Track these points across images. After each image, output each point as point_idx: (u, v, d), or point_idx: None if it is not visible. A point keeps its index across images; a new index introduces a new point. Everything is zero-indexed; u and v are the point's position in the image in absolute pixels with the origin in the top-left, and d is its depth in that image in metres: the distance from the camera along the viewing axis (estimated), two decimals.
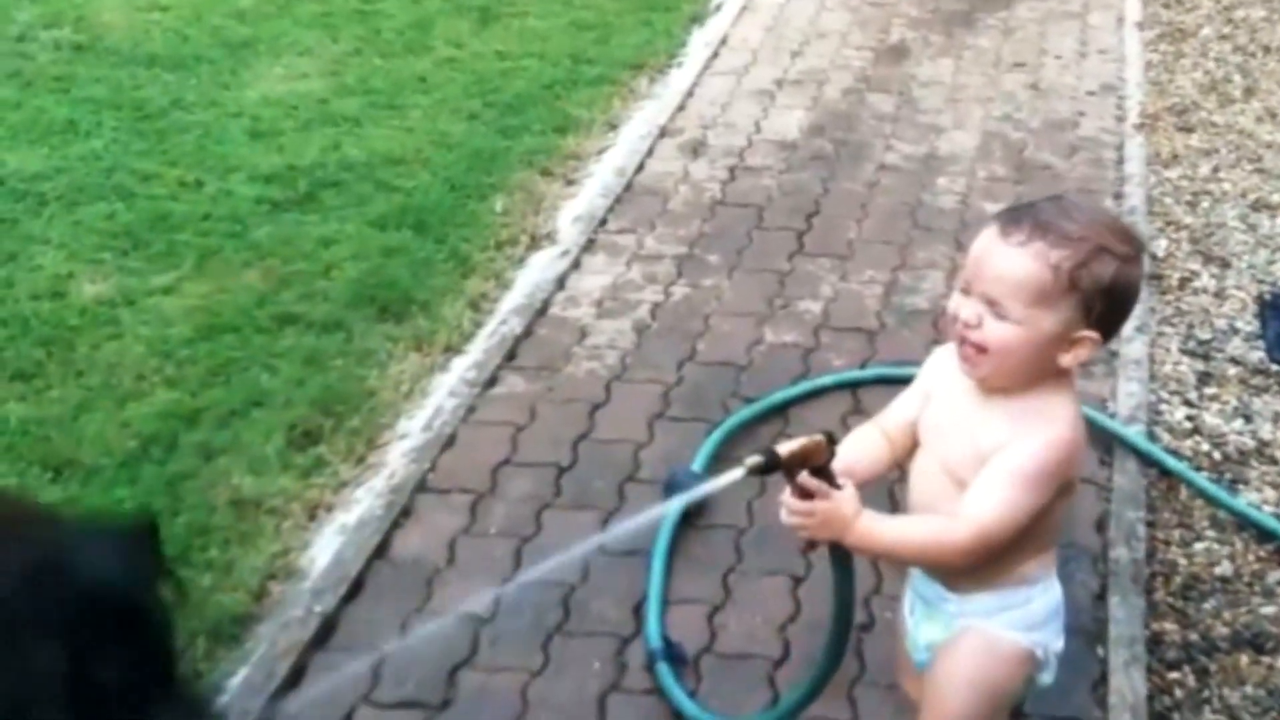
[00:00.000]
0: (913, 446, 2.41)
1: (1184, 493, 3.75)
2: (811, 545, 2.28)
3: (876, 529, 2.22)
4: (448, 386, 4.14)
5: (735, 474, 2.14)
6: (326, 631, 3.23)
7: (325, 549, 3.51)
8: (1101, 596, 3.35)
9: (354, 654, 3.15)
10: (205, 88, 6.00)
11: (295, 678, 3.10)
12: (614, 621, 3.27)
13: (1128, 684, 3.10)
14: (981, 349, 2.20)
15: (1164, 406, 4.10)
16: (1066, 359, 2.19)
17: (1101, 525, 3.58)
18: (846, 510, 2.18)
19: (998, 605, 2.37)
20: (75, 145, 5.44)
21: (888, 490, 3.05)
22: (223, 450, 3.82)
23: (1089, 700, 3.06)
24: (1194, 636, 3.30)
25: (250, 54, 6.35)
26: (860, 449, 2.40)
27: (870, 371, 4.16)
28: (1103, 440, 3.86)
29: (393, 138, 5.63)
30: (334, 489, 3.72)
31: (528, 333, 4.40)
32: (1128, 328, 4.38)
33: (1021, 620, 2.39)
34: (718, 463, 3.75)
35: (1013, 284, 2.15)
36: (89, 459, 3.78)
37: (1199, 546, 3.58)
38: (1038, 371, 2.21)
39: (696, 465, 3.70)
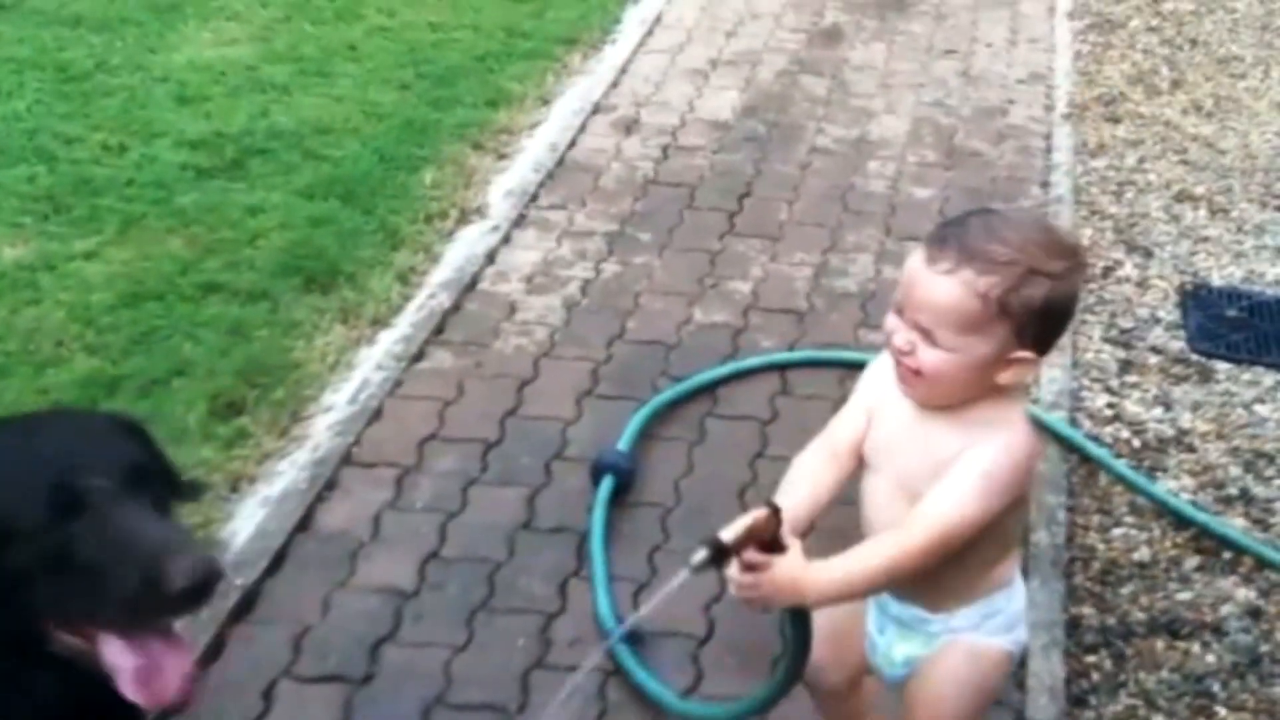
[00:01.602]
0: (858, 467, 2.35)
1: (1104, 479, 3.80)
2: (766, 609, 2.16)
3: (831, 576, 2.12)
4: (374, 360, 4.11)
5: (682, 575, 2.02)
6: (248, 604, 3.20)
7: (247, 521, 3.47)
8: None
9: (275, 627, 3.13)
10: (131, 50, 5.90)
11: (216, 650, 3.07)
12: (540, 598, 3.26)
13: (1046, 667, 3.13)
14: (916, 372, 2.17)
15: (1085, 393, 4.15)
16: (1004, 377, 2.15)
17: None
18: (795, 573, 2.07)
19: (981, 615, 2.35)
20: None
21: None
22: (143, 419, 3.75)
23: (1008, 683, 3.08)
24: (1111, 621, 3.35)
25: (178, 17, 6.25)
26: (810, 483, 2.31)
27: (798, 354, 4.18)
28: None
29: (322, 106, 5.57)
30: (257, 460, 3.68)
31: (456, 307, 4.37)
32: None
33: (1001, 625, 2.38)
34: (644, 441, 3.76)
35: (941, 313, 2.11)
36: None
37: (1118, 532, 3.63)
38: (976, 390, 2.18)
39: (623, 444, 3.70)
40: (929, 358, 2.14)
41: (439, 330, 4.25)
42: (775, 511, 2.06)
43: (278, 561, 3.32)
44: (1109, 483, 3.79)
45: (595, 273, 4.60)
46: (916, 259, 2.15)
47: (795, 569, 2.07)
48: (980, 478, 2.14)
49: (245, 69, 5.81)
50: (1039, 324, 2.11)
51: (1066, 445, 3.87)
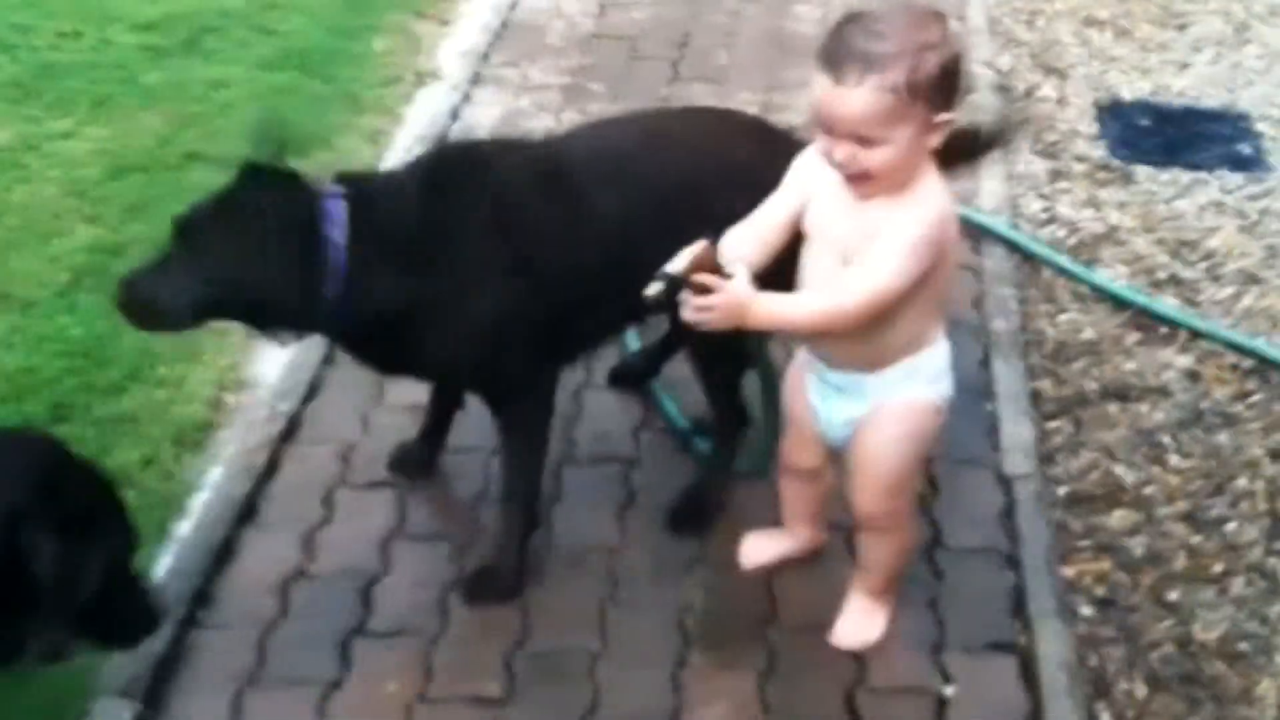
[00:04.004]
0: (787, 245, 2.65)
1: (1047, 272, 4.16)
2: (719, 330, 2.49)
3: (775, 307, 2.50)
4: None
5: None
6: (292, 428, 3.46)
7: (274, 361, 3.69)
8: (985, 362, 3.75)
9: (323, 446, 3.40)
10: None
11: (271, 468, 3.34)
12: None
13: (1017, 431, 3.50)
14: (866, 175, 2.47)
15: (1022, 200, 4.50)
16: (934, 141, 2.48)
17: (979, 303, 3.97)
18: (743, 295, 2.45)
19: (910, 371, 2.69)
20: None
21: None
22: None
23: (985, 445, 3.46)
24: (1068, 392, 3.73)
25: None
26: (742, 245, 2.61)
27: None
28: (973, 231, 4.24)
29: None
30: None
31: None
32: None
33: (928, 378, 2.73)
34: None
35: (869, 119, 2.40)
36: (24, 292, 3.90)
37: (1064, 317, 4.00)
38: (916, 164, 2.50)
39: None
40: (873, 159, 2.45)
41: None
42: (713, 243, 2.44)
43: (313, 390, 3.57)
44: (1052, 275, 4.16)
45: (556, 121, 4.84)
46: (824, 82, 2.43)
47: (743, 291, 2.45)
48: (900, 246, 2.47)
49: None
50: (942, 87, 2.44)
51: (1011, 245, 4.22)
